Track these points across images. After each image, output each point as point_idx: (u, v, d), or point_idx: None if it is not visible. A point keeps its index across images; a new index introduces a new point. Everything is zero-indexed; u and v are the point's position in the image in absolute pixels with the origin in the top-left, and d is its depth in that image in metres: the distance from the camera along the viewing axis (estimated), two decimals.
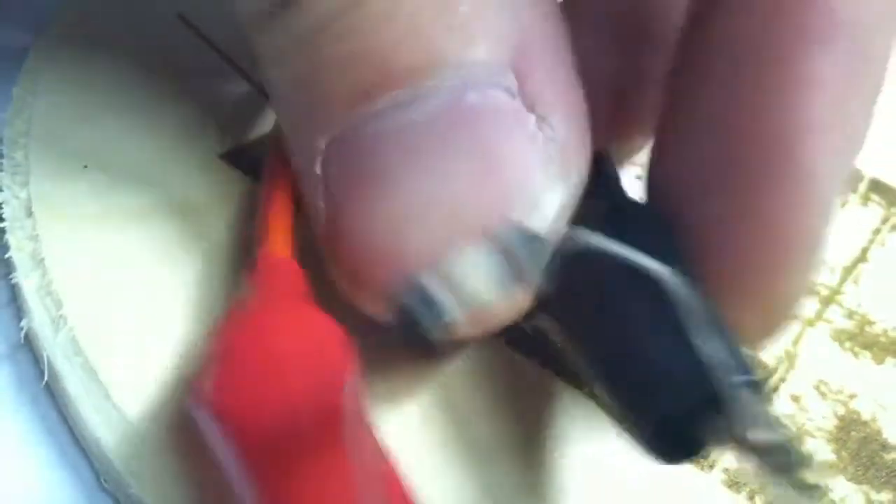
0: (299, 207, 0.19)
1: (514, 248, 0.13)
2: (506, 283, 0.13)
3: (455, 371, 0.20)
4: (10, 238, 0.21)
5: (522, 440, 0.19)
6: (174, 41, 0.27)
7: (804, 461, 0.14)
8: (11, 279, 0.21)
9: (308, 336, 0.16)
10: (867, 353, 0.22)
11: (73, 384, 0.19)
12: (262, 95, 0.26)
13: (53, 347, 0.20)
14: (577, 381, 0.19)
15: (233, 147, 0.24)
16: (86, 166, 0.23)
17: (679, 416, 0.13)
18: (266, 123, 0.25)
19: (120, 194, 0.22)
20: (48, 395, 0.20)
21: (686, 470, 0.19)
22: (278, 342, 0.16)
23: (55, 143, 0.23)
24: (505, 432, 0.19)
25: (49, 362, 0.19)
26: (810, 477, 0.14)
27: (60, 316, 0.20)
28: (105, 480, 0.19)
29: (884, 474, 0.20)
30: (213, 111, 0.25)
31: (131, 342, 0.20)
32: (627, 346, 0.14)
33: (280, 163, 0.19)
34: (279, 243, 0.18)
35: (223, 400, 0.15)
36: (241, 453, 0.15)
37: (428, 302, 0.13)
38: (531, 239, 0.13)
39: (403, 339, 0.13)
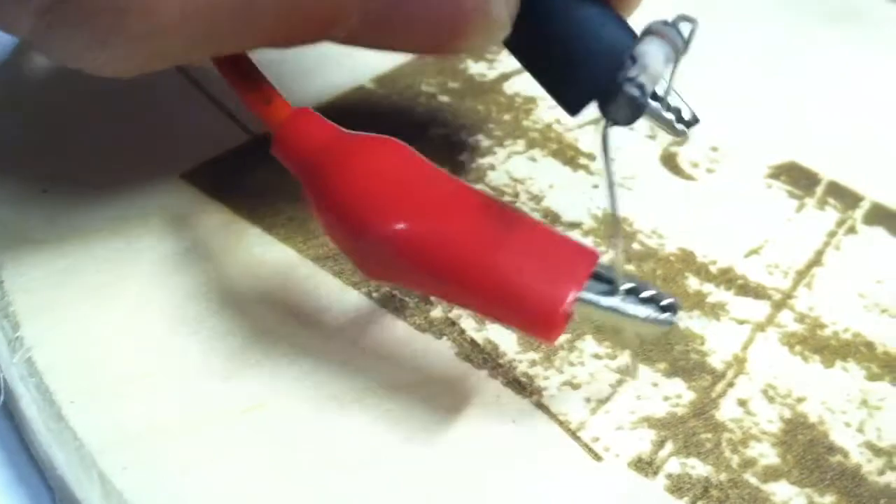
0: None
1: (671, 34, 0.18)
2: (670, 63, 0.18)
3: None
4: None
5: (475, 453, 0.19)
6: None
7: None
8: None
9: (377, 146, 0.20)
10: (817, 357, 0.22)
11: (28, 404, 0.19)
12: (225, 114, 0.26)
13: (10, 368, 0.20)
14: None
15: (194, 166, 0.25)
16: (45, 190, 0.23)
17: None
18: (228, 142, 0.25)
19: (80, 217, 0.23)
20: (6, 416, 0.20)
21: (629, 476, 0.19)
22: (368, 167, 0.19)
23: (15, 167, 0.24)
24: (461, 447, 0.20)
25: (6, 383, 0.20)
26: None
27: (17, 338, 0.20)
28: (60, 500, 0.19)
29: (828, 477, 0.20)
30: (175, 130, 0.26)
31: (86, 363, 0.20)
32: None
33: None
34: (281, 101, 0.21)
35: (394, 225, 0.19)
36: (423, 254, 0.19)
37: (644, 91, 0.17)
38: (678, 31, 0.18)
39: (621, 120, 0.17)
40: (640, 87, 0.17)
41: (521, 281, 0.18)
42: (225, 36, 0.19)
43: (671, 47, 0.18)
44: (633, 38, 0.20)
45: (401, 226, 0.18)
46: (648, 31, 0.18)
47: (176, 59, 0.19)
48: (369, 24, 0.19)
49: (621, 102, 0.17)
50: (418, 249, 0.19)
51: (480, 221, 0.19)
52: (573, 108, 0.21)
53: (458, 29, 0.20)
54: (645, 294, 0.18)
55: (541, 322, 0.18)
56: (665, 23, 0.18)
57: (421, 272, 0.19)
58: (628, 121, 0.17)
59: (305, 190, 0.20)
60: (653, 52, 0.17)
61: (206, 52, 0.20)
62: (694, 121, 0.21)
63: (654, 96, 0.21)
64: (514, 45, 0.21)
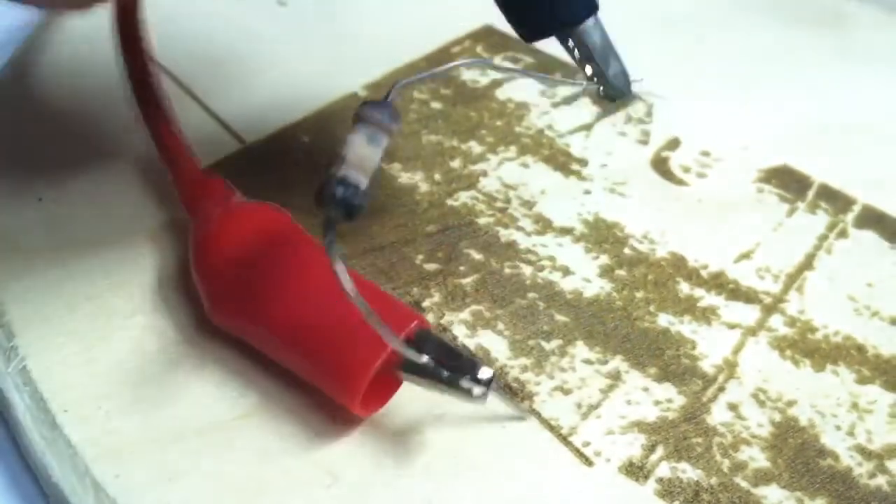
0: None
1: (375, 118, 0.18)
2: (380, 141, 0.18)
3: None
4: None
5: (467, 458, 0.20)
6: None
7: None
8: None
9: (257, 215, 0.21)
10: (807, 361, 0.22)
11: (23, 413, 0.20)
12: (218, 123, 0.26)
13: (5, 378, 0.20)
14: None
15: None
16: (41, 199, 0.23)
17: None
18: (220, 151, 0.25)
19: (75, 226, 0.23)
20: (1, 424, 0.20)
21: (620, 481, 0.19)
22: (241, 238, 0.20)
23: (11, 177, 0.24)
24: (453, 451, 0.20)
25: (1, 392, 0.20)
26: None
27: (12, 347, 0.20)
28: None
29: (819, 480, 0.20)
30: None
31: (80, 373, 0.20)
32: None
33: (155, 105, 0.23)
34: (192, 164, 0.23)
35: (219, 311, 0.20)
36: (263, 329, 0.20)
37: (350, 186, 0.17)
38: (384, 105, 0.18)
39: (337, 218, 0.17)
40: (344, 182, 0.17)
41: (331, 357, 0.19)
42: None
43: (376, 126, 0.18)
44: None
45: (229, 317, 0.20)
46: (354, 118, 0.18)
47: None
48: None
49: (331, 203, 0.17)
50: (246, 329, 0.20)
51: (311, 295, 0.19)
52: (529, 34, 0.22)
53: None
54: (458, 364, 0.19)
55: (348, 396, 0.19)
56: (370, 103, 0.18)
57: (252, 340, 0.20)
58: (348, 217, 0.17)
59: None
60: (354, 142, 0.17)
61: None
62: (623, 90, 0.22)
63: (593, 63, 0.22)
64: None
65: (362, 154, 0.17)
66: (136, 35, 0.22)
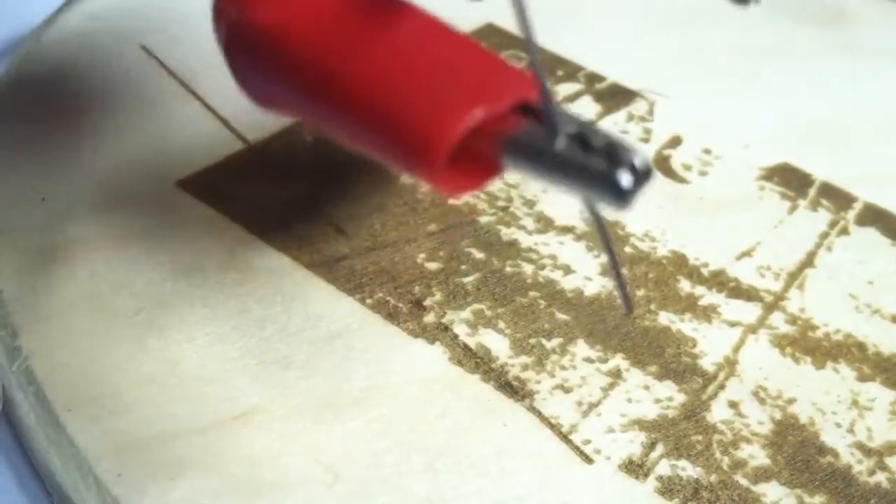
0: None
1: None
2: None
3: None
4: None
5: (475, 454, 0.20)
6: (134, 71, 0.27)
7: None
8: None
9: None
10: (808, 359, 0.22)
11: (26, 412, 0.20)
12: (221, 123, 0.26)
13: (9, 377, 0.20)
14: None
15: (191, 174, 0.25)
16: (44, 198, 0.23)
17: None
18: (223, 150, 0.26)
19: (77, 225, 0.23)
20: (6, 422, 0.20)
21: (620, 479, 0.20)
22: None
23: (14, 175, 0.24)
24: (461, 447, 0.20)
25: (5, 391, 0.20)
26: None
27: (15, 347, 0.21)
28: None
29: (819, 477, 0.20)
30: (172, 139, 0.26)
31: (83, 372, 0.20)
32: None
33: None
34: None
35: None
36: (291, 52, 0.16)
37: None
38: None
39: None
40: None
41: (407, 98, 0.14)
42: None
43: None
44: None
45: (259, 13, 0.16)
46: None
47: None
48: None
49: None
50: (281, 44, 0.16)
51: (387, 33, 0.15)
52: None
53: None
54: (596, 142, 0.13)
55: (422, 149, 0.14)
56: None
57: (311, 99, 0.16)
58: None
59: None
60: None
61: None
62: None
63: None
64: None
65: None
66: None
